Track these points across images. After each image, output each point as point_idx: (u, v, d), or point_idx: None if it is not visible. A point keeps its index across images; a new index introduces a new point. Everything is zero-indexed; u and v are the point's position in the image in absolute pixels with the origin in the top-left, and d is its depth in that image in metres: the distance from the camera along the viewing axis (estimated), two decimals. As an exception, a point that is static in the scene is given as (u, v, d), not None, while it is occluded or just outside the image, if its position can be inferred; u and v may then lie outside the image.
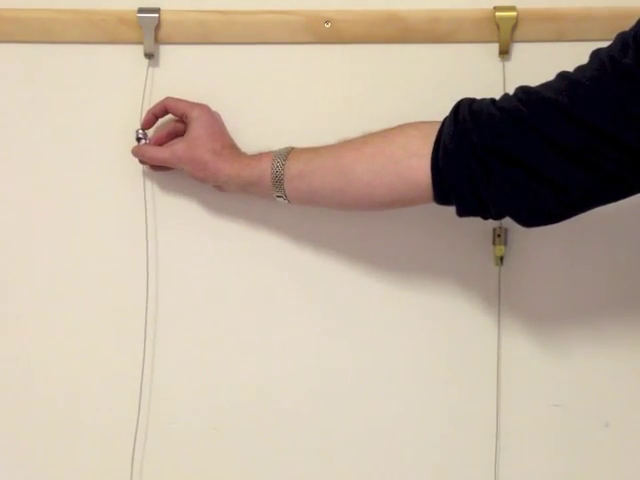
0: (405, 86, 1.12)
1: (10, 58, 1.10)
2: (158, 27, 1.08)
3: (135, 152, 1.09)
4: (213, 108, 1.10)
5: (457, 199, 0.93)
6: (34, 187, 1.13)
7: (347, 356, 1.17)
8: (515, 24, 1.08)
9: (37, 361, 1.16)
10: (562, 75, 0.89)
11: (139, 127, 1.08)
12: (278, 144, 1.11)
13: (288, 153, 1.02)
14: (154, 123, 1.09)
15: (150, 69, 1.10)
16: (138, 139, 1.09)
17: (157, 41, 1.09)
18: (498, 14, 1.08)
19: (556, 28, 1.10)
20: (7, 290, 1.15)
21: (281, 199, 1.03)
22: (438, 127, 0.94)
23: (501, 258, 1.12)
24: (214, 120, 1.08)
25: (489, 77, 1.10)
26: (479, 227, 1.08)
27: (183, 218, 1.13)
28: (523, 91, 0.90)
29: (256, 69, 1.11)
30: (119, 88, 1.11)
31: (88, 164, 1.12)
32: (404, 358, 1.17)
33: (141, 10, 1.07)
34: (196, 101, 1.09)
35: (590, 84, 0.86)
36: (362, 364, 1.17)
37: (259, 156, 1.04)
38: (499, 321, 1.15)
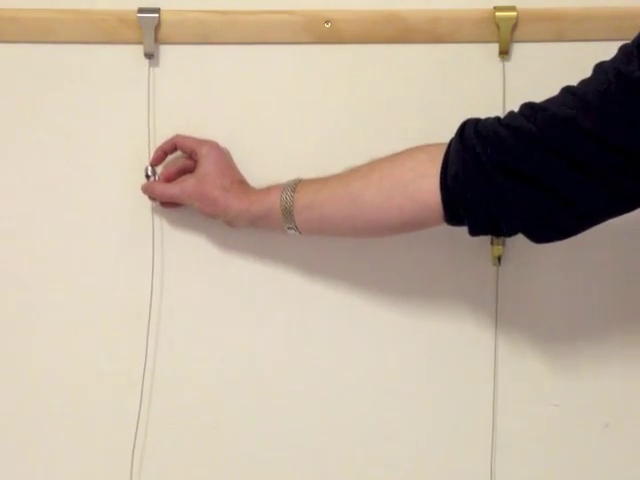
0: (405, 86, 1.12)
1: (10, 58, 1.10)
2: (158, 27, 1.08)
3: (144, 189, 1.10)
4: (212, 108, 1.10)
5: (468, 218, 0.92)
6: (33, 188, 1.12)
7: (348, 349, 1.17)
8: (515, 24, 1.08)
9: (40, 364, 1.16)
10: (567, 90, 0.89)
11: (148, 164, 1.09)
12: (277, 144, 1.11)
13: (296, 185, 1.03)
14: (163, 160, 1.10)
15: (150, 69, 1.10)
16: (147, 176, 1.09)
17: (157, 41, 1.09)
18: (498, 14, 1.08)
19: (556, 28, 1.10)
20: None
21: (292, 231, 1.04)
22: (445, 148, 0.94)
23: (499, 258, 1.13)
24: (223, 156, 1.09)
25: (489, 77, 1.10)
26: (479, 227, 1.08)
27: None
28: (528, 107, 0.90)
29: (256, 69, 1.11)
30: (119, 88, 1.10)
31: (88, 164, 1.12)
32: (401, 357, 1.17)
33: (141, 10, 1.07)
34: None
35: (596, 97, 0.85)
36: (361, 359, 1.17)
37: (267, 190, 1.05)
38: (497, 320, 1.15)
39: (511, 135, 0.89)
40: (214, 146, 1.09)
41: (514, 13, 1.08)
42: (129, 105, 1.10)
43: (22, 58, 1.10)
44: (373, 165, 0.99)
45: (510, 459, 1.18)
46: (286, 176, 1.11)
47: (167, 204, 1.11)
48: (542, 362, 1.17)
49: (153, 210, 1.12)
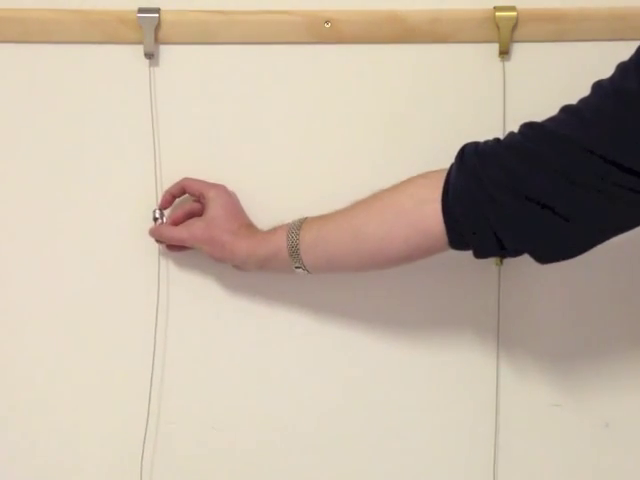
0: (405, 86, 1.12)
1: (10, 58, 1.10)
2: (158, 27, 1.08)
3: (152, 232, 1.10)
4: (212, 107, 1.10)
5: (472, 241, 0.92)
6: (32, 187, 1.12)
7: (348, 352, 1.17)
8: (515, 24, 1.08)
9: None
10: (566, 109, 0.89)
11: (156, 207, 1.09)
12: (277, 143, 1.11)
13: (302, 223, 1.03)
14: (171, 203, 1.11)
15: (150, 69, 1.10)
16: (155, 219, 1.10)
17: (157, 41, 1.09)
18: (498, 14, 1.08)
19: (556, 28, 1.10)
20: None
21: (300, 270, 1.03)
22: (445, 173, 0.94)
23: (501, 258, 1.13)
24: (231, 200, 1.09)
25: (489, 77, 1.10)
26: (479, 227, 1.08)
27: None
28: (528, 127, 0.90)
29: (256, 69, 1.11)
30: (119, 88, 1.10)
31: (88, 167, 1.12)
32: (401, 356, 1.17)
33: (141, 10, 1.07)
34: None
35: (596, 115, 0.85)
36: (361, 361, 1.17)
37: (273, 231, 1.05)
38: (499, 320, 1.15)
39: (511, 155, 0.89)
40: (222, 190, 1.09)
41: (514, 13, 1.08)
42: (129, 105, 1.10)
43: (22, 58, 1.10)
44: (375, 196, 0.99)
45: (511, 459, 1.18)
46: (285, 175, 1.12)
47: (173, 247, 1.11)
48: (543, 362, 1.17)
49: (160, 253, 1.12)
